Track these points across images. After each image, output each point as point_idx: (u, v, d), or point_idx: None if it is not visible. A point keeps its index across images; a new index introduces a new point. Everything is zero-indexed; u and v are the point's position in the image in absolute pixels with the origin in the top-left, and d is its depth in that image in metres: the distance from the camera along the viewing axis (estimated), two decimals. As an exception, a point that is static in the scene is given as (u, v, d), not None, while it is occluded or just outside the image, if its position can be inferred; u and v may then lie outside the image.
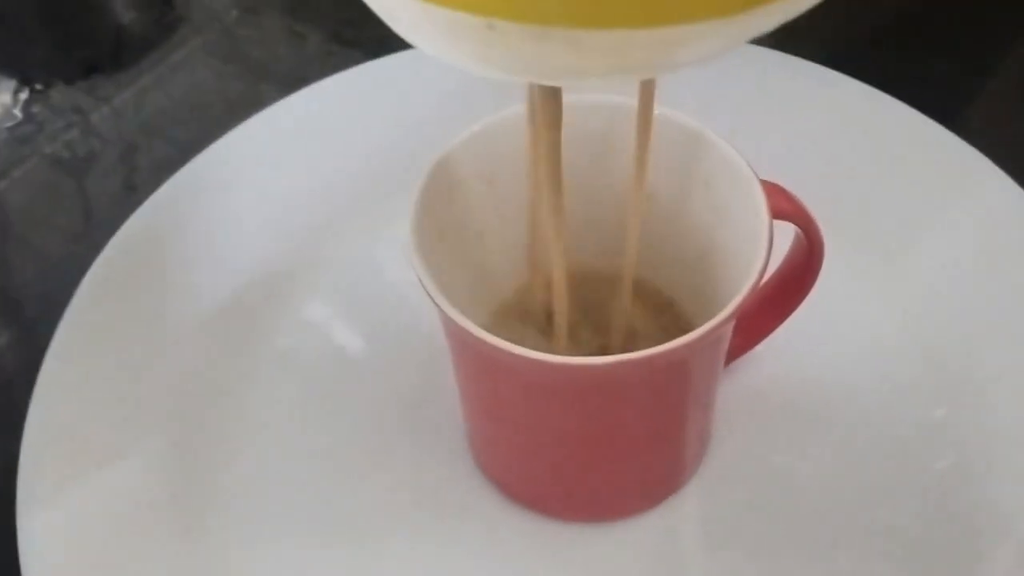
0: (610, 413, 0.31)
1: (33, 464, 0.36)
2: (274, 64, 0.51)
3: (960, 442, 0.36)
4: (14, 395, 0.39)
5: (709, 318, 0.28)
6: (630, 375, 0.29)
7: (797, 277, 0.35)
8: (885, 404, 0.37)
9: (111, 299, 0.40)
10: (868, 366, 0.38)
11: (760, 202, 0.31)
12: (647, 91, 0.29)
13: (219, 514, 0.36)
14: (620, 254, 0.33)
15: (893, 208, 0.41)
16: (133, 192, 0.46)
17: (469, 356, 0.32)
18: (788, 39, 0.46)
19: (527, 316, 0.36)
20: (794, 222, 0.33)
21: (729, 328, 0.31)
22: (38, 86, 0.50)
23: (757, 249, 0.29)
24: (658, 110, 0.32)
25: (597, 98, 0.33)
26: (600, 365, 0.27)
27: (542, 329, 0.35)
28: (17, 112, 0.49)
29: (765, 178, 0.32)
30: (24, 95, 0.50)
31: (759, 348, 0.37)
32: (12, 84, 0.50)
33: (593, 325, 0.35)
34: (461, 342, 0.31)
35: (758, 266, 0.29)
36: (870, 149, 0.43)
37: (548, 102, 0.27)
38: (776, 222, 0.31)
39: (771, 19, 0.22)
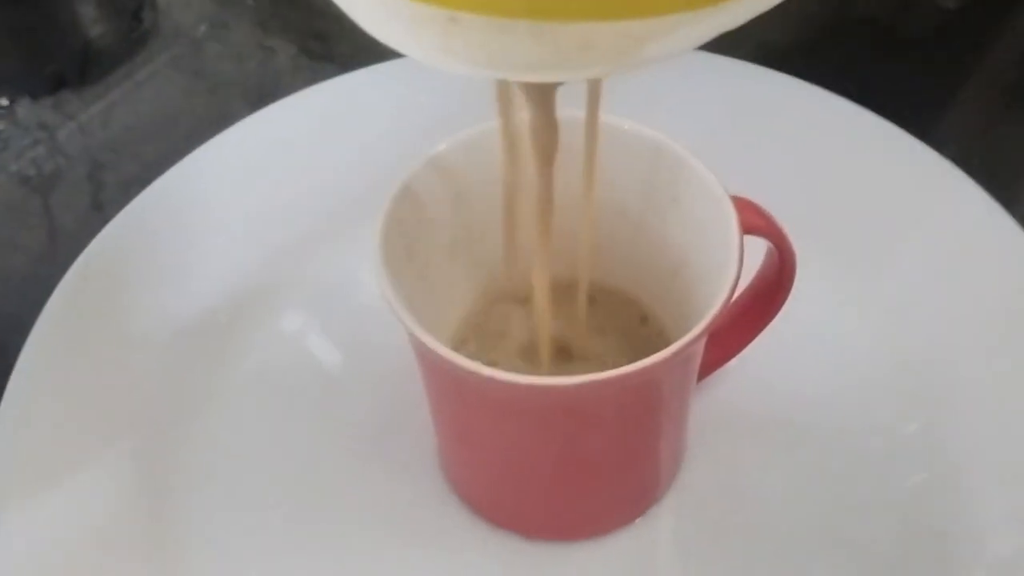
0: (580, 433, 0.31)
1: (-1, 486, 0.35)
2: (243, 79, 0.51)
3: (933, 456, 0.36)
4: (-21, 416, 0.38)
5: (685, 332, 0.28)
6: (600, 395, 0.29)
7: (769, 292, 0.35)
8: (858, 418, 0.37)
9: (77, 318, 0.39)
10: (841, 380, 0.38)
11: (730, 217, 0.30)
12: (593, 95, 0.29)
13: (187, 533, 0.36)
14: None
15: (866, 220, 0.41)
16: (100, 210, 0.45)
17: (437, 376, 0.31)
18: (760, 50, 0.47)
19: (502, 332, 0.36)
20: (765, 237, 0.33)
21: (701, 345, 0.31)
22: (3, 102, 0.50)
23: (728, 265, 0.29)
24: (627, 125, 0.32)
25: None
26: (569, 386, 0.27)
27: (519, 345, 0.35)
28: (-18, 129, 0.49)
29: (737, 192, 0.32)
30: (-11, 112, 0.50)
31: (733, 363, 0.37)
32: (-23, 101, 0.50)
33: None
34: (429, 362, 0.30)
35: (729, 283, 0.29)
36: (842, 161, 0.43)
37: (544, 133, 0.27)
38: (749, 237, 0.31)
39: (735, 15, 0.22)
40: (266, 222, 0.43)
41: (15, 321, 0.39)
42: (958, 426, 0.36)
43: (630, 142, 0.33)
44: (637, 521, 0.35)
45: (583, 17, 0.20)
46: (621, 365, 0.27)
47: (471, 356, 0.28)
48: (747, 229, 0.31)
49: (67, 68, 0.51)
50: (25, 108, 0.50)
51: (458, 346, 0.35)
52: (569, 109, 0.29)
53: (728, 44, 0.46)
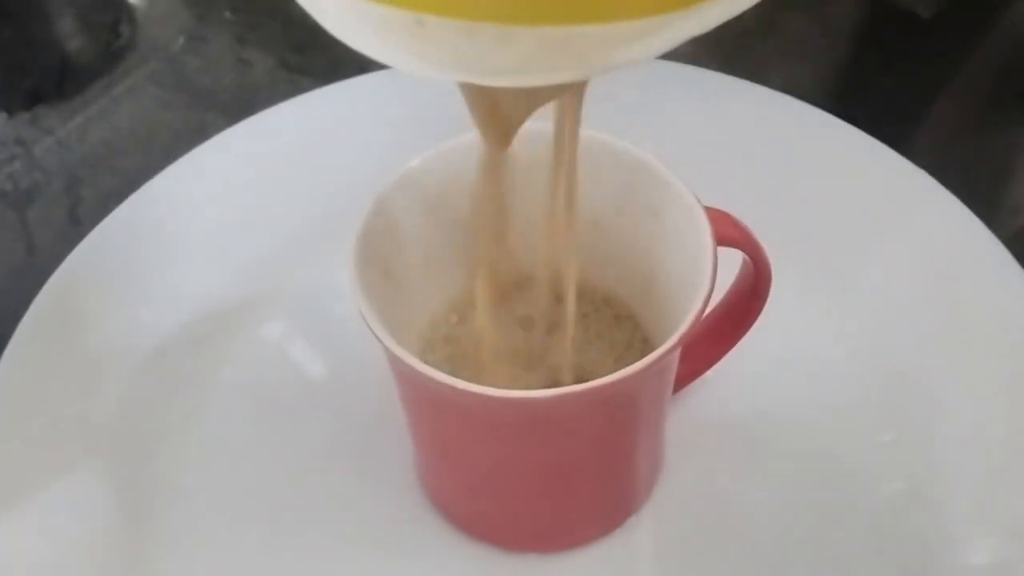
0: (556, 444, 0.31)
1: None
2: (221, 92, 0.51)
3: (909, 466, 0.36)
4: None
5: (664, 338, 0.28)
6: (574, 407, 0.29)
7: (745, 303, 0.35)
8: (834, 428, 0.38)
9: (55, 332, 0.39)
10: (817, 390, 0.38)
11: (704, 229, 0.31)
12: (570, 113, 0.29)
13: (166, 546, 0.36)
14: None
15: (841, 231, 0.42)
16: (78, 224, 0.45)
17: (412, 389, 0.31)
18: (736, 63, 0.47)
19: (476, 346, 0.36)
20: (740, 248, 0.33)
21: (675, 356, 0.31)
22: (-20, 117, 0.50)
23: (701, 278, 0.29)
24: (603, 138, 0.32)
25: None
26: (542, 398, 0.27)
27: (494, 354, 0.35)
28: (-42, 145, 0.49)
29: (713, 204, 0.32)
30: (-35, 127, 0.50)
31: (709, 374, 0.37)
32: (-47, 116, 0.50)
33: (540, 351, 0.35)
34: (404, 375, 0.30)
35: (702, 295, 0.29)
36: (818, 172, 0.43)
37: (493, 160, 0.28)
38: (724, 248, 0.31)
39: (702, 21, 0.22)
40: (244, 235, 0.43)
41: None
42: (932, 435, 0.37)
43: (606, 155, 0.33)
44: (616, 532, 0.35)
45: (548, 21, 0.20)
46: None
47: (441, 365, 0.28)
48: (722, 241, 0.31)
49: (44, 83, 0.51)
50: (2, 123, 0.50)
51: (432, 356, 0.35)
52: (543, 122, 0.29)
53: (702, 56, 0.46)
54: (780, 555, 0.35)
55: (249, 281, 0.42)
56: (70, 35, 0.55)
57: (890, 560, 0.35)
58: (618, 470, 0.34)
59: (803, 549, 0.35)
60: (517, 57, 0.21)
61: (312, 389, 0.39)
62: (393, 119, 0.44)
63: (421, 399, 0.32)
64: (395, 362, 0.29)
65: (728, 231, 0.32)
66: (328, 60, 0.50)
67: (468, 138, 0.33)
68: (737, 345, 0.36)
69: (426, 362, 0.28)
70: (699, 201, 0.31)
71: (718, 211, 0.32)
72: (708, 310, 0.31)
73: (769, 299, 0.34)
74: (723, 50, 0.47)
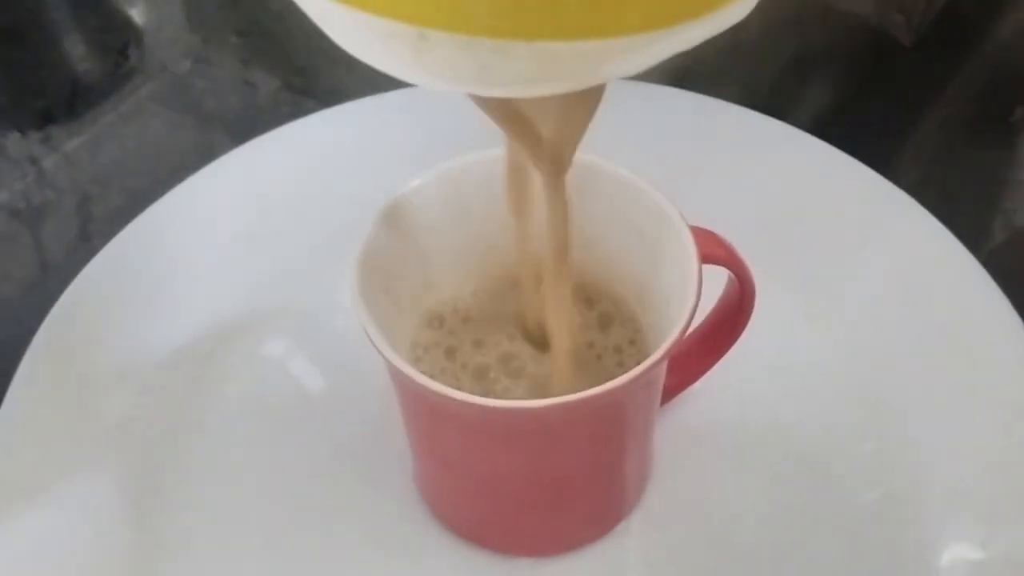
0: (548, 453, 0.32)
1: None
2: (227, 113, 0.52)
3: (887, 474, 0.38)
4: (-30, 444, 0.39)
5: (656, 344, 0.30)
6: (564, 417, 0.30)
7: (730, 319, 0.36)
8: (816, 438, 0.39)
9: (67, 349, 0.40)
10: (800, 401, 0.40)
11: (690, 249, 0.32)
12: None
13: (170, 557, 0.36)
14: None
15: (825, 249, 0.43)
16: (88, 241, 0.46)
17: (411, 399, 0.33)
18: (719, 83, 0.48)
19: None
20: (725, 266, 0.34)
21: (661, 370, 0.32)
22: (-7, 136, 0.51)
23: (686, 295, 0.31)
24: (590, 159, 0.33)
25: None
26: (534, 408, 0.28)
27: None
28: (-28, 163, 0.50)
29: (699, 223, 0.33)
30: (-21, 146, 0.51)
31: (697, 385, 0.38)
32: (-33, 135, 0.51)
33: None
34: (402, 384, 0.32)
35: (686, 312, 0.30)
36: (803, 192, 0.44)
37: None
38: (710, 266, 0.32)
39: (689, 37, 0.23)
40: (249, 252, 0.44)
41: (5, 350, 0.40)
42: (909, 446, 0.38)
43: (594, 176, 0.34)
44: (607, 536, 0.37)
45: (544, 37, 0.22)
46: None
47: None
48: (708, 259, 0.32)
49: (55, 103, 0.52)
50: (14, 142, 0.50)
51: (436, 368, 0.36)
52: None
53: (687, 77, 0.48)
54: (764, 559, 0.36)
55: (254, 298, 0.43)
56: (80, 57, 0.56)
57: (869, 565, 0.36)
58: (609, 477, 0.35)
59: (785, 552, 0.36)
60: (514, 70, 0.22)
61: (314, 402, 0.40)
62: (395, 141, 0.45)
63: (420, 409, 0.33)
64: (395, 374, 0.30)
65: (713, 250, 0.33)
66: (331, 83, 0.51)
67: (465, 160, 0.34)
68: (723, 358, 0.37)
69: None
70: (685, 221, 0.33)
71: (703, 230, 0.33)
72: (695, 325, 0.32)
73: (753, 314, 0.36)
74: (708, 72, 0.48)
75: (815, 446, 0.39)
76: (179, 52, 0.55)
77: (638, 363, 0.30)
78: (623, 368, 0.34)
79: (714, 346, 0.37)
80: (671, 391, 0.38)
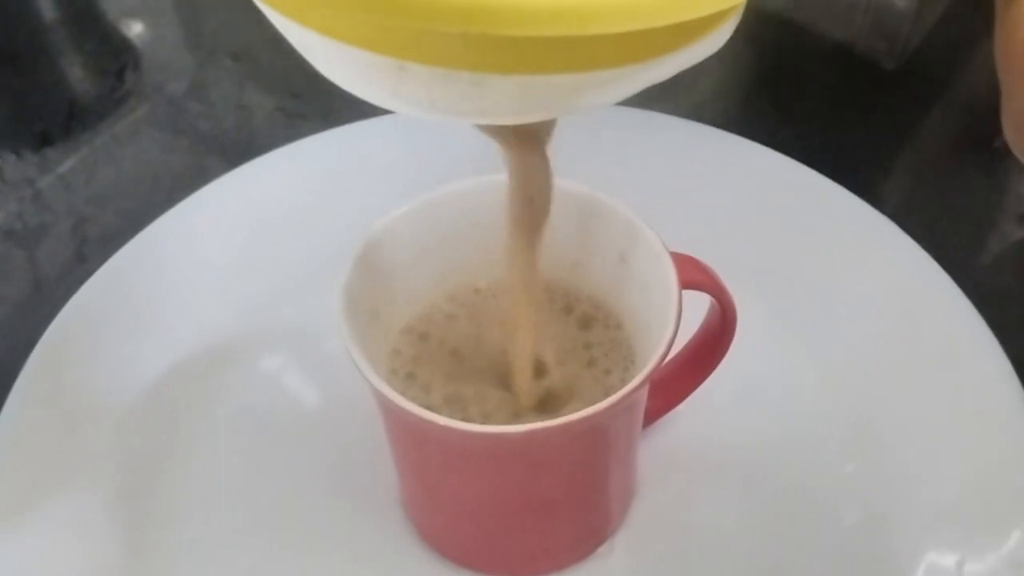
0: (531, 476, 0.33)
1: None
2: (221, 136, 0.53)
3: (868, 495, 0.38)
4: (-35, 464, 0.39)
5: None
6: (546, 442, 0.31)
7: (712, 342, 0.36)
8: (798, 460, 0.39)
9: (61, 369, 0.41)
10: (781, 424, 0.40)
11: (670, 275, 0.32)
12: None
13: (162, 573, 0.37)
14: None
15: (808, 273, 0.43)
16: (83, 263, 0.46)
17: (396, 422, 0.33)
18: (702, 108, 0.49)
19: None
20: (706, 291, 0.35)
21: (642, 394, 0.33)
22: (-10, 158, 0.51)
23: (667, 321, 0.31)
24: (572, 185, 0.34)
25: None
26: (514, 434, 0.29)
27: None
28: (-32, 185, 0.50)
29: (681, 247, 0.34)
30: (-25, 168, 0.51)
31: (680, 408, 0.39)
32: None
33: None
34: (388, 410, 0.32)
35: (666, 338, 0.31)
36: (786, 216, 0.45)
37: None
38: (693, 291, 0.33)
39: (662, 71, 0.24)
40: (242, 274, 0.44)
41: (1, 370, 0.41)
42: (890, 467, 0.38)
43: (576, 202, 0.35)
44: (590, 557, 0.37)
45: (520, 71, 0.22)
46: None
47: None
48: (689, 285, 0.33)
49: (52, 126, 0.53)
50: (11, 165, 0.51)
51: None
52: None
53: (671, 102, 0.48)
54: (745, 579, 0.37)
55: (246, 319, 0.43)
56: (77, 80, 0.57)
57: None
58: (592, 499, 0.35)
59: (769, 573, 0.37)
60: (489, 102, 0.23)
61: (304, 422, 0.41)
62: (387, 164, 0.46)
63: (404, 433, 0.33)
64: (380, 398, 0.31)
65: (694, 275, 0.34)
66: (325, 106, 0.52)
67: (454, 187, 0.35)
68: (705, 382, 0.38)
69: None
70: (666, 247, 0.33)
71: (685, 256, 0.34)
72: (677, 349, 0.33)
73: (736, 338, 0.36)
74: (691, 98, 0.49)
75: (798, 467, 0.39)
76: (174, 75, 0.56)
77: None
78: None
79: (696, 370, 0.37)
80: (654, 414, 0.38)
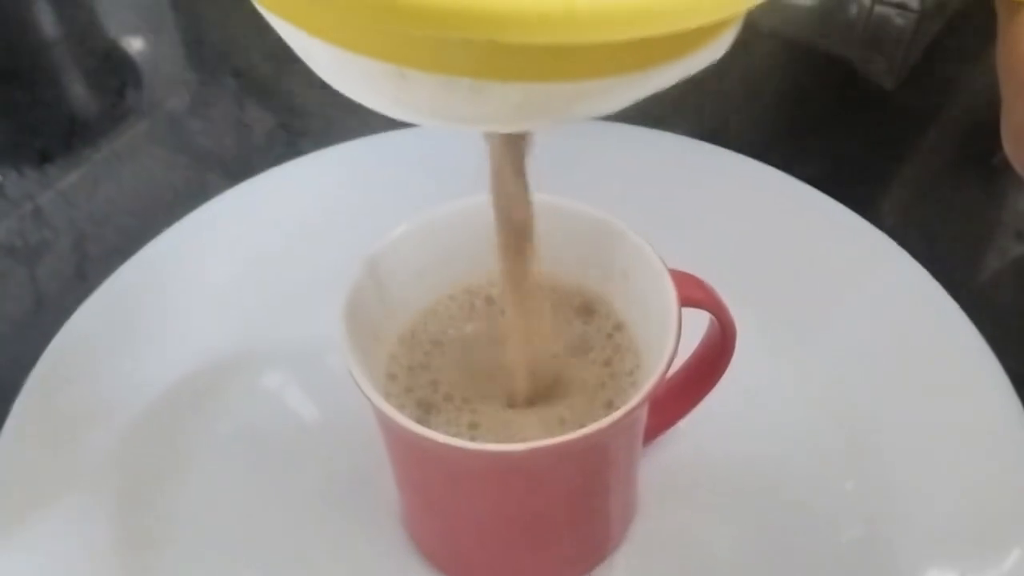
0: (530, 493, 0.33)
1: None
2: (222, 154, 0.53)
3: (868, 512, 0.38)
4: (-34, 481, 0.39)
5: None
6: (545, 460, 0.31)
7: (712, 360, 0.37)
8: (798, 476, 0.39)
9: (62, 386, 0.41)
10: (781, 441, 0.40)
11: (670, 293, 0.33)
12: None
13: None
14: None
15: (807, 290, 0.44)
16: (84, 280, 0.47)
17: (395, 439, 0.33)
18: (701, 125, 0.49)
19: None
20: (706, 309, 0.35)
21: (642, 412, 0.33)
22: (-8, 175, 0.51)
23: (666, 339, 0.31)
24: (574, 204, 0.34)
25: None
26: (514, 452, 0.29)
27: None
28: (-30, 202, 0.50)
29: (681, 265, 0.34)
30: (-23, 185, 0.51)
31: (680, 425, 0.39)
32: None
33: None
34: (387, 426, 0.32)
35: (666, 356, 0.31)
36: (785, 233, 0.45)
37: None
38: (693, 308, 0.33)
39: (661, 80, 0.24)
40: (242, 291, 0.44)
41: (1, 388, 0.41)
42: (892, 483, 0.38)
43: (578, 221, 0.35)
44: (591, 574, 0.37)
45: (520, 78, 0.22)
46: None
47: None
48: (688, 302, 0.33)
49: (53, 143, 0.53)
50: (12, 182, 0.51)
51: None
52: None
53: (670, 121, 0.48)
54: (746, 597, 0.37)
55: (247, 336, 0.43)
56: (78, 97, 0.57)
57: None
58: (592, 516, 0.36)
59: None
60: (490, 109, 0.23)
61: (305, 439, 0.41)
62: (388, 181, 0.46)
63: (405, 450, 0.34)
64: (380, 415, 0.31)
65: (694, 293, 0.34)
66: (325, 124, 0.52)
67: (455, 205, 0.35)
68: (704, 399, 0.38)
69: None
70: (665, 265, 0.33)
71: (684, 274, 0.34)
72: (677, 366, 0.33)
73: (735, 355, 0.36)
74: (691, 115, 0.49)
75: (798, 484, 0.39)
76: (175, 92, 0.56)
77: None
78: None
79: (696, 387, 0.37)
80: (654, 431, 0.38)
